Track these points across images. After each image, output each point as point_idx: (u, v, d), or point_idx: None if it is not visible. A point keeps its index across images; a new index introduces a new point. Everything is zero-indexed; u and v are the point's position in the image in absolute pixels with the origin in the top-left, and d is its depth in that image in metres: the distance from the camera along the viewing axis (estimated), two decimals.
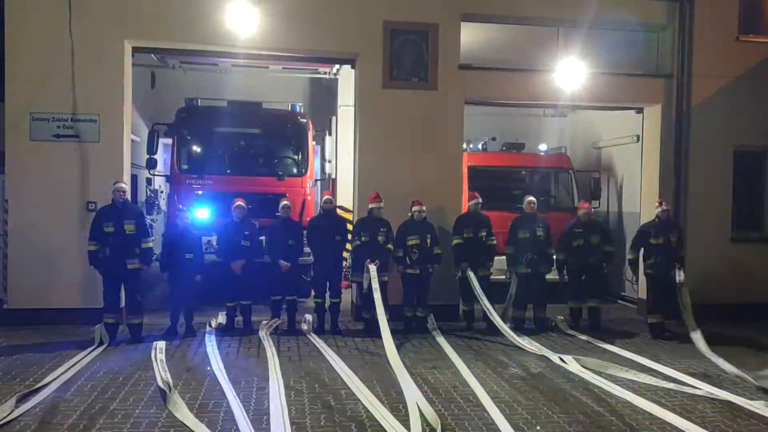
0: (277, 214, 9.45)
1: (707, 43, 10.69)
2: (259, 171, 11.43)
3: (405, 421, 5.48)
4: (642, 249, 9.64)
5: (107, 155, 9.27)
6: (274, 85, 14.18)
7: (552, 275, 9.91)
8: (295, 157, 11.75)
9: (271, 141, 11.99)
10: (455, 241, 9.54)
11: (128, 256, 8.33)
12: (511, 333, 8.73)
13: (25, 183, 9.10)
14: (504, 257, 9.80)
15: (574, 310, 9.85)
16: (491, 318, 9.00)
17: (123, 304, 8.64)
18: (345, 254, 10.22)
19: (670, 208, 9.91)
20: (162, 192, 15.45)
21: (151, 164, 11.15)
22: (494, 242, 9.63)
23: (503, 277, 9.97)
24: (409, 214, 9.32)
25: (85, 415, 5.66)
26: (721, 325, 9.89)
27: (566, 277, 9.85)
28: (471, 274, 9.32)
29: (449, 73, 10.06)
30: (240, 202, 9.18)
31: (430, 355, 8.02)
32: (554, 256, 9.78)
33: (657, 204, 9.74)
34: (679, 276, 9.10)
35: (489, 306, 9.06)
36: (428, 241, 9.25)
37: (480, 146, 12.64)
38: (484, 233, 9.52)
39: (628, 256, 9.82)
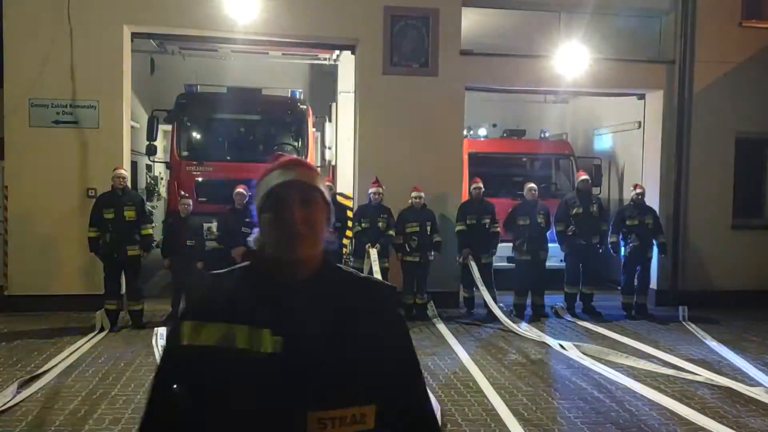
0: None
1: (710, 29, 10.61)
2: (259, 157, 11.39)
3: None
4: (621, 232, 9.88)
5: (107, 141, 9.24)
6: (273, 72, 14.11)
7: (552, 262, 9.94)
8: (295, 143, 11.71)
9: (271, 127, 11.94)
10: (458, 228, 9.53)
11: (128, 242, 8.33)
12: (509, 322, 8.74)
13: (24, 169, 9.08)
14: (507, 245, 9.83)
15: (570, 296, 9.89)
16: (491, 306, 9.01)
17: (124, 290, 8.65)
18: (345, 241, 10.22)
19: (644, 192, 9.99)
20: (162, 179, 15.43)
21: (151, 151, 11.12)
22: (498, 229, 9.63)
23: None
24: (409, 201, 9.32)
25: (87, 401, 5.69)
26: (721, 311, 9.92)
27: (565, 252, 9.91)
28: (472, 263, 9.31)
29: (450, 59, 9.99)
30: (241, 189, 9.17)
31: (431, 342, 8.03)
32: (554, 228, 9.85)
33: (632, 187, 10.05)
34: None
35: (488, 294, 9.07)
36: (428, 228, 9.24)
37: (480, 132, 12.60)
38: (488, 220, 9.51)
39: (610, 240, 9.86)
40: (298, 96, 12.10)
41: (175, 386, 1.56)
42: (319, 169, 12.55)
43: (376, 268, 8.59)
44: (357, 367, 1.49)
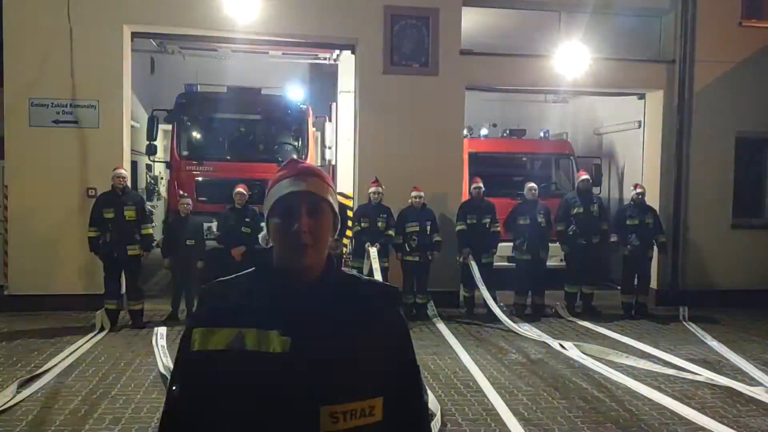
0: None
1: (710, 29, 10.61)
2: (259, 157, 11.40)
3: None
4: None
5: (107, 141, 9.24)
6: (273, 72, 14.11)
7: (553, 261, 9.95)
8: (295, 143, 11.71)
9: (270, 127, 11.94)
10: (458, 227, 9.53)
11: (128, 242, 8.33)
12: (510, 321, 8.75)
13: (24, 169, 9.07)
14: (508, 244, 9.85)
15: (570, 295, 9.89)
16: (490, 306, 9.02)
17: (124, 290, 8.65)
18: (345, 241, 10.22)
19: (644, 191, 10.00)
20: (162, 178, 15.43)
21: (151, 150, 11.11)
22: (498, 229, 9.64)
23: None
24: (409, 200, 9.32)
25: (87, 401, 5.69)
26: (720, 311, 9.92)
27: (565, 251, 9.90)
28: (472, 262, 9.31)
29: (450, 58, 9.99)
30: (241, 188, 9.16)
31: (431, 342, 8.03)
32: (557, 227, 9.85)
33: (633, 187, 10.08)
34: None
35: (488, 294, 9.07)
36: (428, 228, 9.24)
37: (481, 132, 12.60)
38: (488, 220, 9.51)
39: (611, 239, 9.85)
40: (298, 96, 12.09)
41: (174, 387, 1.63)
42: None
43: (375, 266, 8.58)
44: (363, 364, 1.56)
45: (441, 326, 8.78)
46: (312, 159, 11.66)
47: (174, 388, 1.65)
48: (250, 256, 9.14)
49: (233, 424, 1.53)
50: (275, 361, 1.52)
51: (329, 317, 1.57)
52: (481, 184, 9.62)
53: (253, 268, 1.70)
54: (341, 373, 1.53)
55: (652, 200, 10.27)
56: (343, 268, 1.73)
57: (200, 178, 10.96)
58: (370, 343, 1.59)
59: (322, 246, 1.63)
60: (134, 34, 9.61)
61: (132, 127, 10.17)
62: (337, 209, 1.69)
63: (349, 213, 10.22)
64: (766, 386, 6.37)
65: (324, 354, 1.53)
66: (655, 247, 9.91)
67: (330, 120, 12.95)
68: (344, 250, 10.54)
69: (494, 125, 13.24)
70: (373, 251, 8.81)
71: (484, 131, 12.64)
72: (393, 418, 1.61)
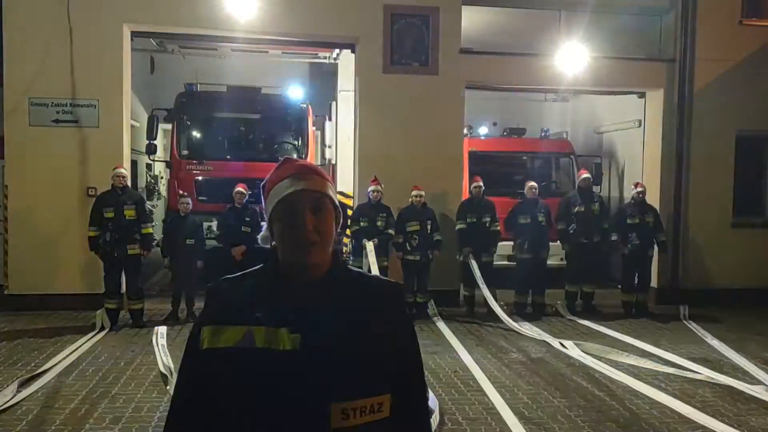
0: None
1: (710, 27, 10.60)
2: (258, 156, 11.40)
3: None
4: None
5: (107, 140, 9.23)
6: (273, 71, 14.10)
7: (553, 260, 9.95)
8: (295, 142, 11.72)
9: (270, 126, 11.95)
10: (458, 226, 9.52)
11: (129, 241, 8.32)
12: (510, 320, 8.74)
13: (24, 169, 9.06)
14: (508, 243, 9.84)
15: (571, 294, 9.88)
16: (491, 305, 9.01)
17: (124, 289, 8.64)
18: (345, 240, 10.22)
19: (644, 190, 9.98)
20: (162, 177, 15.43)
21: (151, 150, 11.11)
22: (498, 228, 9.63)
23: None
24: (409, 199, 9.31)
25: (87, 400, 5.69)
26: (720, 310, 9.92)
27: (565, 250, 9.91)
28: (473, 261, 9.31)
29: (450, 57, 9.98)
30: (241, 188, 9.16)
31: (431, 341, 8.02)
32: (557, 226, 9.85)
33: (633, 186, 10.06)
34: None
35: (489, 293, 9.06)
36: (428, 227, 9.23)
37: (481, 131, 12.59)
38: (488, 218, 9.51)
39: (612, 238, 9.85)
40: (297, 95, 12.09)
41: (181, 385, 1.64)
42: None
43: (372, 260, 8.56)
44: (372, 361, 1.57)
45: (441, 325, 8.78)
46: (312, 158, 11.66)
47: (181, 386, 1.65)
48: (253, 255, 9.15)
49: (243, 422, 1.53)
50: (285, 358, 1.52)
51: (337, 314, 1.58)
52: (481, 183, 9.62)
53: (259, 266, 1.70)
54: (351, 370, 1.54)
55: (653, 199, 10.27)
56: (349, 266, 1.74)
57: (200, 178, 10.96)
58: (377, 340, 1.60)
59: (327, 242, 1.64)
60: (134, 33, 9.60)
61: (132, 126, 10.16)
62: (337, 202, 1.70)
63: (349, 212, 10.21)
64: (766, 385, 6.36)
65: (334, 351, 1.54)
66: (656, 246, 9.90)
67: (330, 119, 12.95)
68: (345, 249, 10.52)
69: (494, 124, 13.24)
70: (370, 245, 8.78)
71: (483, 130, 12.63)
72: (398, 414, 1.62)
